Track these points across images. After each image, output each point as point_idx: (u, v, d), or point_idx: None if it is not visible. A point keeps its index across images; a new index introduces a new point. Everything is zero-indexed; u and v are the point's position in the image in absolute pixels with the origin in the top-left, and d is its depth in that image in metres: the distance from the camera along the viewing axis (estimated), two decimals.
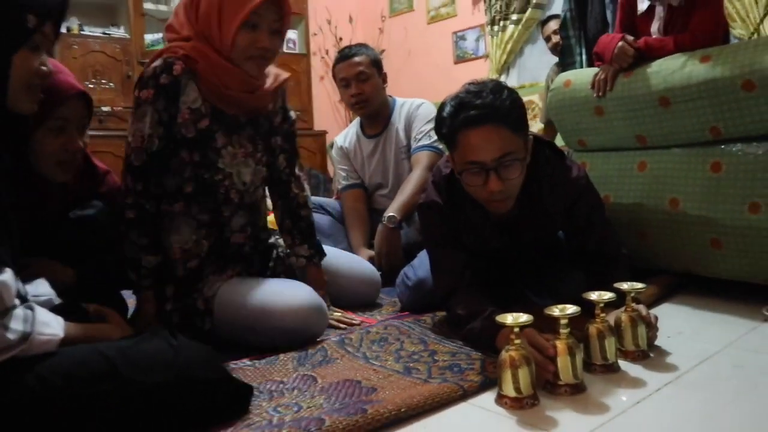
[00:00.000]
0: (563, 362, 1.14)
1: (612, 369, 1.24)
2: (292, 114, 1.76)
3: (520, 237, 1.56)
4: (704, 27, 1.82)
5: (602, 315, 1.26)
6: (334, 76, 2.49)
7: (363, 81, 2.37)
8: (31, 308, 0.98)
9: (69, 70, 1.40)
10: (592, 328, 1.25)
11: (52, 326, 1.01)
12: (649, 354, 1.31)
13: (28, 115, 1.23)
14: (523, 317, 1.12)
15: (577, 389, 1.14)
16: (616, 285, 1.32)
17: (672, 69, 1.74)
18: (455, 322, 1.47)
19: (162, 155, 1.50)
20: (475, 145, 1.32)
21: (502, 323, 1.12)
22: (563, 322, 1.16)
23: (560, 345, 1.15)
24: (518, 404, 1.09)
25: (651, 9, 2.01)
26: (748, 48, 1.60)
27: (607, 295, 1.26)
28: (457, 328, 1.45)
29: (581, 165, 1.57)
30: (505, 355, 1.11)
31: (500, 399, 1.11)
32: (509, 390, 1.09)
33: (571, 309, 1.17)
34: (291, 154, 1.74)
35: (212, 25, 1.47)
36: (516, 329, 1.11)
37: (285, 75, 1.68)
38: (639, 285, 1.31)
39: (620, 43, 1.86)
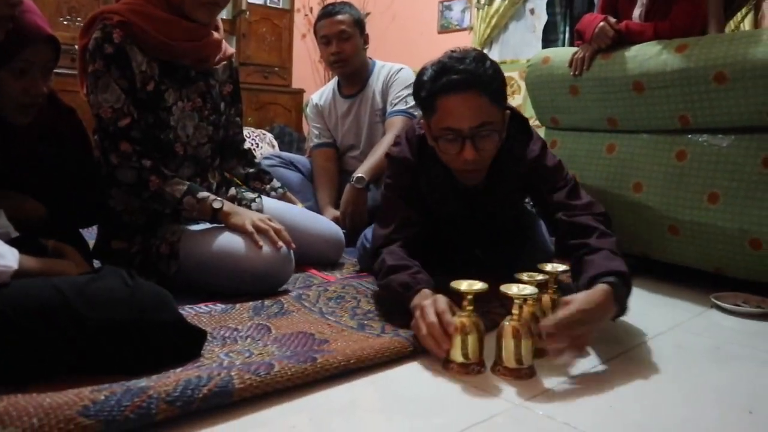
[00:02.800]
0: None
1: (522, 374, 1.10)
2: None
3: (483, 206, 1.57)
4: (684, 17, 1.84)
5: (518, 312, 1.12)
6: (315, 32, 2.46)
7: (344, 40, 2.35)
8: None
9: (44, 5, 1.37)
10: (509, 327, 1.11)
11: (5, 257, 1.00)
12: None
13: None
14: (478, 284, 1.13)
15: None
16: (539, 266, 1.30)
17: (648, 55, 1.75)
18: (378, 269, 1.41)
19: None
20: (454, 111, 1.31)
21: (457, 289, 1.13)
22: (469, 297, 1.12)
23: (465, 321, 1.10)
24: (464, 370, 1.10)
25: None
26: (723, 41, 1.62)
27: (528, 290, 1.13)
28: (379, 275, 1.40)
29: (540, 138, 1.56)
30: (456, 320, 1.11)
31: (447, 364, 1.12)
32: (457, 355, 1.10)
33: (479, 285, 1.13)
34: (238, 108, 1.84)
35: None
36: (469, 296, 1.12)
37: (231, 50, 1.75)
38: (561, 267, 1.30)
39: (601, 24, 1.87)
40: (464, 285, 1.13)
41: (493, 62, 1.35)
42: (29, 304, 0.94)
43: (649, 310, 1.54)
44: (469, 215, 1.58)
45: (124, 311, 1.00)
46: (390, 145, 2.19)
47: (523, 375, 1.09)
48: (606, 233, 1.35)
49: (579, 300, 1.10)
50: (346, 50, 2.35)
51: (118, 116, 1.46)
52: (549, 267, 1.30)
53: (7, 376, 0.93)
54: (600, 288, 1.14)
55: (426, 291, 1.24)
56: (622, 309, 1.21)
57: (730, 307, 1.56)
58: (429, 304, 1.16)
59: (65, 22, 3.73)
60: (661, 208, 1.76)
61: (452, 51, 1.37)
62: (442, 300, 1.17)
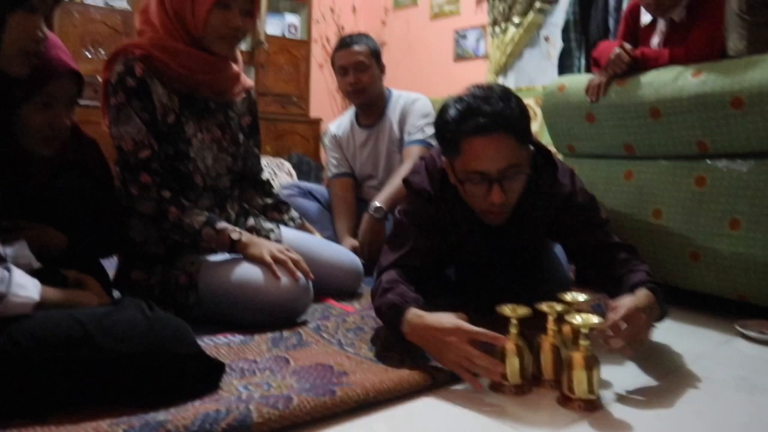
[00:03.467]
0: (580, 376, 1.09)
1: (595, 406, 1.10)
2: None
3: (505, 243, 1.54)
4: (700, 43, 1.83)
5: (586, 343, 1.11)
6: (332, 63, 2.49)
7: (361, 70, 2.37)
8: (8, 269, 0.99)
9: (68, 37, 1.41)
10: (577, 356, 1.10)
11: (28, 289, 1.01)
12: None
13: (17, 87, 1.23)
14: (522, 309, 1.16)
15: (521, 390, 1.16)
16: (560, 295, 1.23)
17: (665, 81, 1.75)
18: (373, 291, 1.39)
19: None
20: (482, 155, 1.28)
21: (501, 312, 1.15)
22: (584, 332, 1.10)
23: (577, 357, 1.09)
24: (519, 390, 1.15)
25: (653, 22, 2.02)
26: (739, 66, 1.62)
27: (595, 320, 1.11)
28: (374, 296, 1.37)
29: (568, 169, 1.55)
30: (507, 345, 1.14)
31: (499, 386, 1.16)
32: (514, 377, 1.14)
33: (596, 319, 1.10)
34: (257, 139, 1.86)
35: (185, 6, 1.51)
36: (514, 321, 1.15)
37: (250, 82, 1.78)
38: (595, 319, 1.12)
39: (617, 50, 1.88)
40: (508, 309, 1.16)
41: (518, 99, 1.32)
42: (50, 336, 0.95)
43: (672, 339, 1.51)
44: (491, 250, 1.56)
45: (143, 343, 1.00)
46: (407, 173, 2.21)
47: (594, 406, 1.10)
48: (643, 262, 1.41)
49: (627, 300, 1.18)
50: (363, 80, 2.38)
51: (138, 148, 1.48)
52: (569, 297, 1.25)
53: (27, 408, 0.93)
54: (643, 291, 1.23)
55: (411, 313, 1.22)
56: (663, 312, 1.29)
57: (755, 336, 1.53)
58: (455, 337, 1.13)
59: (89, 55, 3.82)
60: (681, 234, 1.74)
61: (475, 87, 1.34)
62: (464, 326, 1.14)
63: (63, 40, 1.39)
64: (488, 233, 1.50)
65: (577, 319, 1.11)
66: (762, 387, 1.24)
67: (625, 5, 2.76)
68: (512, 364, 1.14)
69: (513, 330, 1.15)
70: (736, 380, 1.27)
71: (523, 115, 1.31)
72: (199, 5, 1.50)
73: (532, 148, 1.39)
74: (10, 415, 0.91)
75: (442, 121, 1.35)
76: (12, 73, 1.16)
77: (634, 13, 2.09)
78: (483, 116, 1.26)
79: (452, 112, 1.31)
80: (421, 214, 1.49)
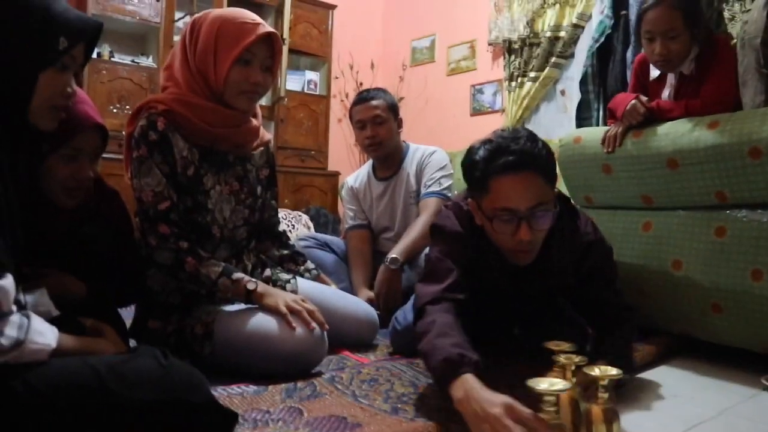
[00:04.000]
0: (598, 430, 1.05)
1: None
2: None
3: (531, 286, 1.53)
4: (715, 95, 1.85)
5: (605, 395, 1.09)
6: (350, 117, 2.54)
7: (378, 124, 2.41)
8: (27, 316, 0.99)
9: (96, 93, 1.46)
10: (596, 410, 1.08)
11: (45, 336, 1.01)
12: None
13: (44, 139, 1.27)
14: (560, 384, 1.02)
15: None
16: (585, 370, 1.12)
17: (681, 132, 1.76)
18: (424, 330, 1.29)
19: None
20: (511, 192, 1.29)
21: (533, 388, 1.01)
22: (603, 383, 1.06)
23: (596, 410, 1.06)
24: None
25: (663, 76, 2.05)
26: (756, 116, 1.62)
27: (613, 371, 1.09)
28: (424, 337, 1.27)
29: (589, 218, 1.55)
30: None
31: None
32: None
33: (614, 370, 1.07)
34: (274, 192, 1.88)
35: (208, 61, 1.55)
36: (549, 397, 1.01)
37: (269, 136, 1.81)
38: (613, 371, 1.09)
39: (633, 101, 1.90)
40: (545, 384, 1.02)
41: (544, 142, 1.35)
42: (65, 383, 0.95)
43: (696, 393, 1.47)
44: (515, 294, 1.55)
45: (157, 391, 0.99)
46: (425, 226, 2.21)
47: None
48: (631, 329, 1.46)
49: None
50: (381, 134, 2.41)
51: (158, 199, 1.51)
52: (598, 371, 1.10)
53: None
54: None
55: (469, 378, 1.11)
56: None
57: None
58: (502, 414, 1.01)
59: (114, 110, 3.93)
60: (702, 285, 1.71)
61: (502, 130, 1.37)
62: (517, 406, 1.02)
63: (91, 95, 1.44)
64: (513, 276, 1.50)
65: (596, 370, 1.09)
66: None
67: None
68: None
69: (602, 393, 1.06)
70: None
71: (549, 155, 1.34)
72: (221, 62, 1.55)
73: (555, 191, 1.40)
74: None
75: (470, 161, 1.37)
76: (41, 127, 1.19)
77: (643, 67, 2.12)
78: (512, 155, 1.29)
79: (481, 152, 1.34)
80: (456, 256, 1.45)
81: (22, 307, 1.01)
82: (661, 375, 1.63)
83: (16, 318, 0.96)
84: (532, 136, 1.34)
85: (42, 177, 1.33)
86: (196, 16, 1.63)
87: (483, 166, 1.32)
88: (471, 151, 1.37)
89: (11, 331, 0.94)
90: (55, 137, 1.28)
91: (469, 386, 1.10)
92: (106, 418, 0.96)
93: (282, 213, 4.01)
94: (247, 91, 1.59)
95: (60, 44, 1.13)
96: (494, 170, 1.30)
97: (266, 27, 1.59)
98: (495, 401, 1.04)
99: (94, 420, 0.96)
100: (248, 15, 1.60)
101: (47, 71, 1.14)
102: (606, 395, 1.07)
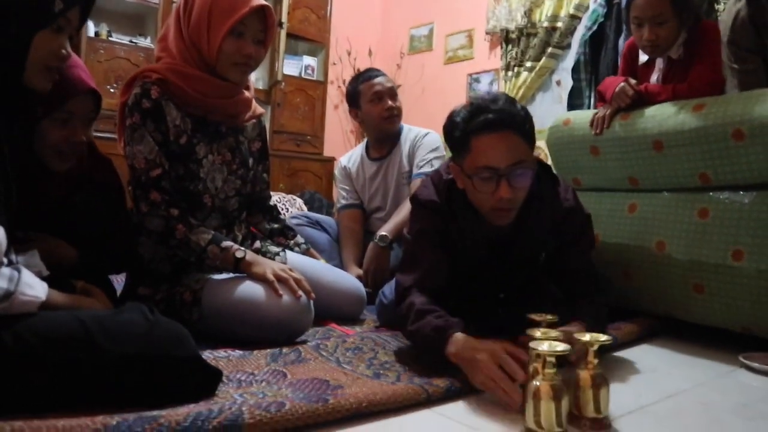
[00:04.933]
0: (546, 407, 1.00)
1: (603, 425, 1.09)
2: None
3: (509, 254, 1.56)
4: (702, 79, 1.87)
5: (595, 361, 1.10)
6: (358, 94, 2.50)
7: (394, 96, 2.47)
8: (18, 270, 1.02)
9: (94, 72, 1.47)
10: (585, 375, 1.09)
11: (35, 288, 1.04)
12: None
13: (38, 103, 1.29)
14: (561, 346, 1.02)
15: None
16: (577, 335, 1.13)
17: (667, 114, 1.78)
18: (405, 313, 1.39)
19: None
20: (491, 150, 1.33)
21: (535, 349, 1.03)
22: (549, 360, 1.02)
23: (544, 387, 1.01)
24: None
25: (652, 60, 2.07)
26: (739, 99, 1.65)
27: (603, 337, 1.11)
28: (406, 320, 1.37)
29: (570, 186, 1.58)
30: (532, 385, 1.02)
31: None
32: (530, 423, 1.01)
33: (603, 336, 1.09)
34: (266, 165, 1.91)
35: (201, 33, 1.58)
36: (550, 358, 1.02)
37: (261, 110, 1.82)
38: (603, 337, 1.12)
39: (622, 84, 1.93)
40: (545, 345, 1.03)
41: (522, 105, 1.39)
42: (52, 334, 0.97)
43: (672, 369, 1.50)
44: (496, 262, 1.57)
45: (142, 344, 1.02)
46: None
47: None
48: (602, 301, 1.50)
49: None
50: (399, 106, 2.48)
51: (150, 167, 1.53)
52: (588, 337, 1.12)
53: (27, 404, 0.95)
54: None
55: (459, 335, 1.24)
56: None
57: (760, 367, 1.51)
58: (485, 348, 1.16)
59: (112, 90, 3.94)
60: (684, 266, 1.74)
61: (482, 93, 1.42)
62: (509, 346, 1.16)
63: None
64: (492, 244, 1.52)
65: (587, 336, 1.11)
66: (763, 413, 1.23)
67: None
68: (548, 409, 1.00)
69: (549, 369, 1.02)
70: (736, 407, 1.26)
71: (528, 117, 1.37)
72: (214, 33, 1.57)
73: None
74: (10, 409, 0.93)
75: (451, 123, 1.40)
76: (35, 87, 1.21)
77: (632, 51, 2.14)
78: (492, 113, 1.33)
79: (462, 113, 1.38)
80: (430, 229, 1.51)
81: (12, 264, 1.03)
82: (640, 352, 1.66)
83: (6, 270, 0.98)
84: (511, 99, 1.38)
85: (35, 141, 1.35)
86: None
87: (463, 126, 1.36)
88: (452, 114, 1.41)
89: (1, 283, 0.96)
90: (48, 100, 1.30)
91: (462, 339, 1.24)
92: (92, 369, 0.99)
93: (276, 197, 4.02)
94: (240, 63, 1.61)
95: (56, 5, 1.15)
96: (474, 129, 1.34)
97: (259, 0, 1.61)
98: (487, 342, 1.19)
99: (80, 371, 0.99)
100: None
101: (42, 32, 1.16)
102: (596, 361, 1.10)
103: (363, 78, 2.51)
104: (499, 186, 1.34)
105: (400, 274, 1.53)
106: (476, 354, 1.17)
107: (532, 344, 1.05)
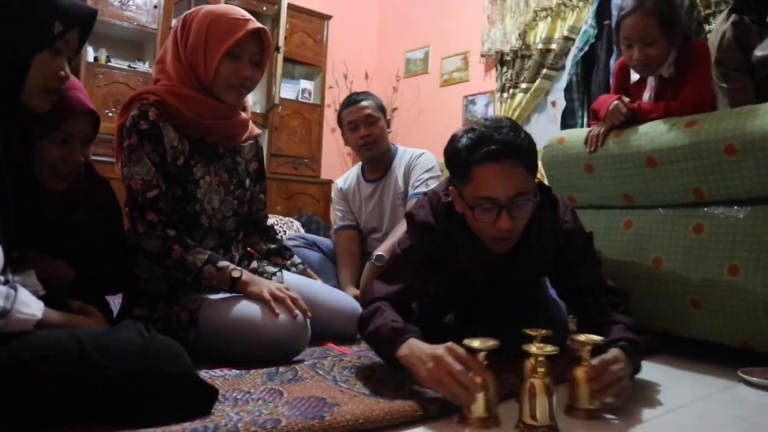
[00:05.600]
0: (541, 402, 1.11)
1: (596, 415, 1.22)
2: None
3: (507, 276, 1.55)
4: (693, 97, 1.89)
5: (589, 359, 1.22)
6: (340, 122, 2.56)
7: (371, 123, 2.45)
8: (15, 288, 1.02)
9: (93, 97, 1.48)
10: (580, 372, 1.22)
11: (32, 307, 1.04)
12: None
13: (37, 123, 1.31)
14: (491, 342, 1.15)
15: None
16: (574, 336, 1.28)
17: (660, 131, 1.80)
18: (368, 316, 1.41)
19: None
20: (493, 181, 1.31)
21: (469, 346, 1.15)
22: (540, 359, 1.14)
23: (538, 384, 1.12)
24: (484, 424, 1.13)
25: (643, 79, 2.10)
26: (731, 115, 1.66)
27: (596, 338, 1.24)
28: (368, 322, 1.40)
29: (569, 206, 1.59)
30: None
31: (466, 419, 1.15)
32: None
33: (550, 347, 1.16)
34: (263, 185, 1.92)
35: (198, 55, 1.60)
36: (482, 353, 1.15)
37: (258, 131, 1.85)
38: (596, 338, 1.25)
39: (615, 102, 1.95)
40: (477, 342, 1.16)
41: (526, 132, 1.37)
42: (47, 351, 0.97)
43: (671, 384, 1.50)
44: (494, 284, 1.57)
45: (138, 361, 1.02)
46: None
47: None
48: (628, 310, 1.47)
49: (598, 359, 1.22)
50: (374, 132, 2.46)
51: (147, 188, 1.54)
52: (583, 337, 1.25)
53: (23, 423, 0.95)
54: (613, 350, 1.26)
55: (414, 341, 1.26)
56: (636, 368, 1.34)
57: (758, 382, 1.51)
58: (445, 353, 1.16)
59: (110, 114, 3.97)
60: (681, 282, 1.74)
61: (485, 119, 1.40)
62: (457, 347, 1.17)
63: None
64: (491, 267, 1.51)
65: (581, 337, 1.22)
66: (762, 427, 1.23)
67: None
68: (542, 404, 1.12)
69: (541, 368, 1.14)
70: (735, 421, 1.26)
71: (531, 145, 1.36)
72: (211, 56, 1.59)
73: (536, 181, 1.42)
74: (6, 427, 0.93)
75: (453, 149, 1.38)
76: (34, 108, 1.23)
77: (624, 71, 2.17)
78: (494, 144, 1.30)
79: (464, 140, 1.35)
80: (421, 250, 1.51)
81: (9, 282, 1.03)
82: None
83: (3, 289, 0.99)
84: (515, 126, 1.36)
85: (34, 161, 1.36)
86: (188, 11, 1.67)
87: (466, 154, 1.34)
88: (454, 139, 1.39)
89: None
90: (47, 121, 1.32)
91: (414, 344, 1.26)
92: (88, 387, 0.99)
93: (274, 219, 4.03)
94: (236, 85, 1.63)
95: (55, 28, 1.17)
96: (477, 159, 1.31)
97: (256, 23, 1.63)
98: (437, 347, 1.20)
99: (76, 389, 0.98)
100: (238, 11, 1.65)
101: (42, 54, 1.18)
102: (590, 359, 1.21)
103: (344, 104, 2.54)
104: (500, 217, 1.33)
105: (378, 280, 1.54)
106: (432, 351, 1.19)
107: (524, 346, 1.16)
